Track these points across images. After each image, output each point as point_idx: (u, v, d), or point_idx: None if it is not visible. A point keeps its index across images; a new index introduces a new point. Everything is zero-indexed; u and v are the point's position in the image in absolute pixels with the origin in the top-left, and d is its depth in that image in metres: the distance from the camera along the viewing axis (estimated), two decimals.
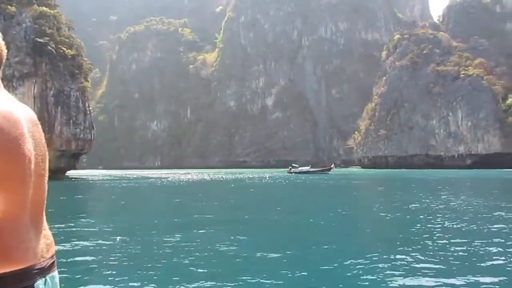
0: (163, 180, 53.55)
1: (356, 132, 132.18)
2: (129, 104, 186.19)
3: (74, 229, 12.93)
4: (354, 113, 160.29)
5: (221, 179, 55.10)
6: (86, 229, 12.85)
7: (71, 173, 69.36)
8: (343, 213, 16.98)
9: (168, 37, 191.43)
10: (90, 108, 66.32)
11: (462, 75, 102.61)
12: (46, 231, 1.36)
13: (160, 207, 20.59)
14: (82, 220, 15.38)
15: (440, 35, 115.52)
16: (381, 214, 16.24)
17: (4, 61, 1.30)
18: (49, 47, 58.36)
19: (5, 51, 1.27)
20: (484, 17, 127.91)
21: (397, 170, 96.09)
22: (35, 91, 58.28)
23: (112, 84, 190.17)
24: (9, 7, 57.06)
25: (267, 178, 57.42)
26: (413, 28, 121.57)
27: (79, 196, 31.16)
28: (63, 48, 60.66)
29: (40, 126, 1.35)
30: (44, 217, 1.35)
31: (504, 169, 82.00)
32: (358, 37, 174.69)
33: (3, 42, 1.27)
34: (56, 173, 62.27)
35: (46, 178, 1.36)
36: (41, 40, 57.68)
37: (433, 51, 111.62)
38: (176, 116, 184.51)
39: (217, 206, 20.78)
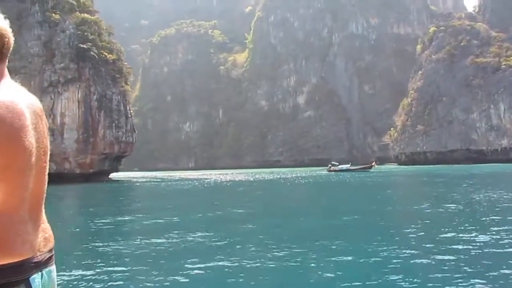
0: (209, 180, 54.01)
1: (391, 128, 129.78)
2: (162, 107, 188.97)
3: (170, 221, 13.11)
4: (387, 109, 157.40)
5: (269, 179, 55.06)
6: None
7: (114, 175, 70.97)
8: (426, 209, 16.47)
9: (198, 39, 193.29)
10: (131, 111, 67.65)
11: (503, 66, 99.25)
12: (45, 225, 1.33)
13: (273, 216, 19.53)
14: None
15: (478, 25, 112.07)
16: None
17: (11, 48, 1.23)
18: (91, 53, 59.93)
19: (12, 38, 1.21)
20: None
21: (437, 166, 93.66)
22: (79, 95, 59.95)
23: (145, 87, 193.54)
24: (53, 15, 58.99)
25: (313, 176, 57.07)
26: (449, 20, 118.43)
27: (144, 200, 31.70)
28: (104, 53, 62.20)
29: (44, 118, 1.29)
30: (43, 211, 1.31)
31: None
32: (390, 31, 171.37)
33: (10, 30, 1.22)
34: (100, 175, 63.91)
35: (47, 171, 1.31)
36: (84, 46, 59.30)
37: (471, 43, 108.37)
38: (208, 117, 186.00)
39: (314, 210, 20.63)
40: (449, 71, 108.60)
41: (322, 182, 42.96)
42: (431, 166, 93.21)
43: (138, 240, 11.60)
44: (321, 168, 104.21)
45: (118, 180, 62.37)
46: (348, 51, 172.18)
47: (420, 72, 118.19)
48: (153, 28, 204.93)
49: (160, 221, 15.39)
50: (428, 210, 16.35)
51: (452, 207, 16.59)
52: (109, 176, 68.25)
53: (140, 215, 18.34)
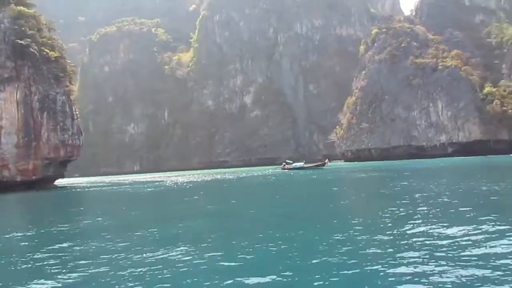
0: (165, 183, 51.99)
1: (337, 127, 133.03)
2: (103, 108, 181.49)
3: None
4: (332, 108, 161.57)
5: (225, 179, 54.01)
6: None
7: (59, 182, 66.66)
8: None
9: (141, 38, 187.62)
10: (77, 112, 63.80)
11: (440, 67, 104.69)
12: None
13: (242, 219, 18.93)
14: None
15: (417, 28, 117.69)
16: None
17: None
18: (31, 49, 55.84)
19: None
20: (454, 10, 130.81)
21: (382, 161, 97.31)
22: (18, 96, 55.69)
23: (84, 88, 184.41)
24: None
25: (271, 174, 56.76)
26: (390, 22, 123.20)
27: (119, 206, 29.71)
28: (46, 50, 58.16)
29: None
30: None
31: (485, 156, 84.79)
32: (333, 33, 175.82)
33: None
34: (45, 182, 59.77)
35: None
36: (22, 42, 55.12)
37: (411, 44, 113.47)
38: (153, 119, 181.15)
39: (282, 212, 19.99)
40: (391, 71, 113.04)
41: (284, 180, 42.67)
42: (378, 162, 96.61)
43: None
44: (274, 166, 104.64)
45: (65, 187, 58.57)
46: (293, 51, 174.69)
47: (363, 72, 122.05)
48: (92, 25, 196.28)
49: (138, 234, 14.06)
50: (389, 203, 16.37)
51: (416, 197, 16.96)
52: (54, 183, 64.02)
53: (112, 224, 16.82)
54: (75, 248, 11.70)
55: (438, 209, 14.53)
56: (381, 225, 12.24)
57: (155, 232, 13.71)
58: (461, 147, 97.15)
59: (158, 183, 53.98)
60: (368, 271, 7.68)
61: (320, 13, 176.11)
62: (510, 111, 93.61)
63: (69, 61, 65.75)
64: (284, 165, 73.09)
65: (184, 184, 47.21)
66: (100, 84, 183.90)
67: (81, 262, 9.82)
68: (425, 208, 14.90)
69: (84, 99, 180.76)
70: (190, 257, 9.50)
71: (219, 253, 9.78)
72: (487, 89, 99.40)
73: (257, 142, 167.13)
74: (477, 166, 50.94)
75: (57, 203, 34.72)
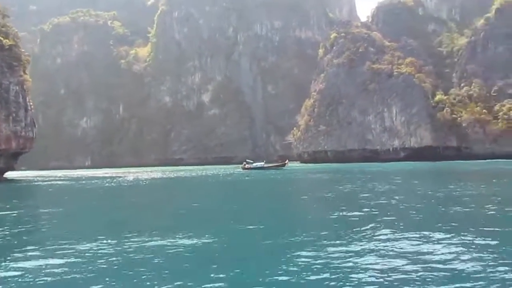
0: (119, 180, 50.68)
1: (294, 128, 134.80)
2: (54, 101, 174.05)
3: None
4: (290, 109, 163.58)
5: (185, 177, 53.42)
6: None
7: (9, 174, 63.31)
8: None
9: (96, 30, 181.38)
10: (31, 103, 60.87)
11: (395, 73, 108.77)
12: None
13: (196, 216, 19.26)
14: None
15: (374, 34, 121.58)
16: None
17: None
18: None
19: None
20: (408, 18, 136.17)
21: (338, 164, 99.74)
22: None
23: (34, 79, 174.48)
24: None
25: (232, 173, 56.71)
26: (348, 27, 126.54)
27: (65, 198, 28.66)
28: None
29: None
30: None
31: (434, 161, 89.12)
32: (293, 35, 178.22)
33: None
34: None
35: None
36: None
37: (368, 50, 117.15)
38: (107, 113, 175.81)
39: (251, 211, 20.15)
40: (348, 75, 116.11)
41: (249, 180, 42.84)
42: (334, 164, 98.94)
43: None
44: (235, 166, 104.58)
45: (16, 180, 55.76)
46: (252, 51, 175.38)
47: (322, 75, 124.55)
48: (44, 15, 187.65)
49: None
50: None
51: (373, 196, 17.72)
52: (4, 176, 60.73)
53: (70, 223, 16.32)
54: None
55: (387, 211, 15.64)
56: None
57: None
58: (413, 152, 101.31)
59: (115, 179, 52.51)
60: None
61: (280, 15, 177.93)
62: (459, 119, 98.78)
63: (23, 50, 62.65)
64: (245, 164, 73.28)
65: (145, 181, 46.31)
66: (51, 75, 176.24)
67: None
68: (370, 210, 16.23)
69: (34, 91, 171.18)
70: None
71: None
72: (438, 96, 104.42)
73: (214, 141, 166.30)
74: (426, 170, 53.77)
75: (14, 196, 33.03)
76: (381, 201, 18.71)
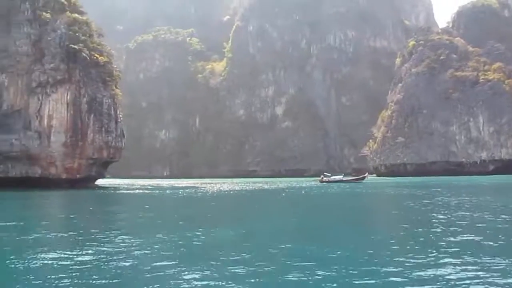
0: (203, 189, 52.28)
1: (370, 140, 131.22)
2: (137, 114, 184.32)
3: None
4: (364, 121, 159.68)
5: (266, 189, 53.94)
6: None
7: (98, 181, 67.99)
8: None
9: (176, 46, 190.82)
10: (121, 115, 65.16)
11: (481, 80, 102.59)
12: None
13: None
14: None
15: (456, 40, 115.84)
16: None
17: None
18: (83, 54, 57.52)
19: None
20: (493, 21, 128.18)
21: (419, 177, 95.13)
22: (68, 97, 57.33)
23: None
24: (44, 14, 56.34)
25: (310, 186, 56.35)
26: (428, 34, 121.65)
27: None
28: (96, 55, 59.81)
29: None
30: None
31: None
32: (366, 45, 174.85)
33: None
34: (87, 181, 61.10)
35: None
36: (75, 47, 56.88)
37: (450, 57, 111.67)
38: (184, 125, 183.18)
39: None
40: (429, 84, 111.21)
41: (329, 193, 42.27)
42: (415, 177, 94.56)
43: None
44: (312, 178, 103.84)
45: (106, 187, 59.66)
46: (325, 63, 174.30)
47: (400, 84, 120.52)
48: (129, 33, 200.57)
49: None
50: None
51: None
52: (95, 183, 65.35)
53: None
54: None
55: None
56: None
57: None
58: (504, 165, 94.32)
59: (201, 189, 54.26)
60: None
61: (353, 25, 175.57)
62: None
63: (115, 66, 67.42)
64: (322, 177, 72.13)
65: (231, 192, 47.35)
66: (134, 90, 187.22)
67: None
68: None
69: (120, 104, 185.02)
70: None
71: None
72: None
73: (287, 153, 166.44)
74: None
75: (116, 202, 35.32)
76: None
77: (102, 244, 11.91)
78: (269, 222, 18.07)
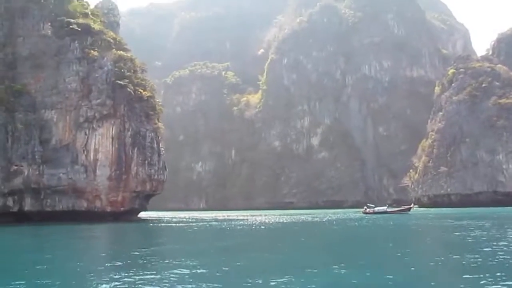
0: (248, 222, 51.74)
1: (411, 170, 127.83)
2: (174, 146, 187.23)
3: None
4: (403, 151, 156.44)
5: (308, 221, 52.84)
6: None
7: (141, 214, 68.66)
8: None
9: (211, 80, 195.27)
10: (163, 148, 66.31)
11: None
12: None
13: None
14: None
15: (498, 67, 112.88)
16: None
17: None
18: (128, 89, 59.31)
19: None
20: None
21: (466, 208, 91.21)
22: (113, 132, 58.83)
23: None
24: (92, 51, 58.72)
25: (354, 218, 54.81)
26: (468, 62, 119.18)
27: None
28: (140, 90, 61.58)
29: None
30: None
31: None
32: (403, 74, 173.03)
33: None
34: (130, 214, 61.83)
35: None
36: (121, 82, 58.81)
37: (493, 84, 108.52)
38: (220, 157, 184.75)
39: None
40: (471, 112, 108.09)
41: (386, 225, 40.82)
42: (462, 208, 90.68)
43: None
44: (352, 210, 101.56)
45: (151, 220, 60.11)
46: (361, 93, 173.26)
47: (440, 113, 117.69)
48: (167, 69, 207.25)
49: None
50: None
51: None
52: (138, 215, 66.02)
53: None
54: None
55: None
56: None
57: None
58: None
59: (242, 221, 53.75)
60: None
61: (388, 55, 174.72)
62: None
63: (158, 101, 69.17)
64: (366, 208, 70.30)
65: (281, 224, 46.60)
66: (172, 123, 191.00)
67: None
68: None
69: None
70: None
71: None
72: None
73: (324, 184, 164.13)
74: None
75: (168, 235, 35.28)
76: None
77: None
78: (353, 260, 16.88)
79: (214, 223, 48.78)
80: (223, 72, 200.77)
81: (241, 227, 40.92)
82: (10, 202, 51.79)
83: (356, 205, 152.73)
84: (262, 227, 40.59)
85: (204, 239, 28.11)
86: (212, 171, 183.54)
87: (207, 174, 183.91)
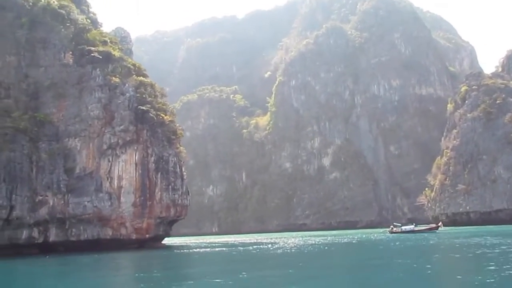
0: (277, 245, 50.77)
1: (426, 189, 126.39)
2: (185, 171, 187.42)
3: None
4: (415, 169, 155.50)
5: (331, 243, 51.81)
6: None
7: (165, 241, 67.68)
8: None
9: (220, 104, 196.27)
10: (185, 173, 65.77)
11: None
12: None
13: None
14: None
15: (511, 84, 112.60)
16: None
17: None
18: (150, 114, 59.20)
19: None
20: None
21: (489, 226, 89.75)
22: (136, 157, 58.41)
23: None
24: (113, 78, 58.91)
25: (381, 239, 53.71)
26: (480, 79, 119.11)
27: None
28: (161, 114, 61.49)
29: None
30: None
31: None
32: (412, 92, 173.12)
33: None
34: (154, 241, 60.89)
35: None
36: (143, 108, 58.77)
37: (507, 100, 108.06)
38: (231, 181, 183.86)
39: None
40: (486, 129, 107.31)
41: (420, 245, 39.80)
42: (485, 227, 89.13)
43: None
44: (382, 229, 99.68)
45: (176, 246, 59.14)
46: (371, 112, 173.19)
47: (455, 130, 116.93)
48: (175, 94, 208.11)
49: None
50: None
51: None
52: (162, 242, 65.03)
53: None
54: None
55: None
56: None
57: None
58: None
59: (275, 244, 52.72)
60: None
61: (397, 74, 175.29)
62: None
63: (178, 125, 69.04)
64: (392, 228, 69.17)
65: (316, 246, 45.61)
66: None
67: None
68: None
69: None
70: None
71: None
72: None
73: (337, 205, 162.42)
74: None
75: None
76: None
77: None
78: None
79: (249, 247, 47.82)
80: (231, 95, 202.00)
81: (281, 250, 39.98)
82: (35, 233, 50.94)
83: (371, 225, 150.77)
84: (308, 249, 39.60)
85: (274, 265, 27.28)
86: (224, 194, 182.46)
87: (218, 198, 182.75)
